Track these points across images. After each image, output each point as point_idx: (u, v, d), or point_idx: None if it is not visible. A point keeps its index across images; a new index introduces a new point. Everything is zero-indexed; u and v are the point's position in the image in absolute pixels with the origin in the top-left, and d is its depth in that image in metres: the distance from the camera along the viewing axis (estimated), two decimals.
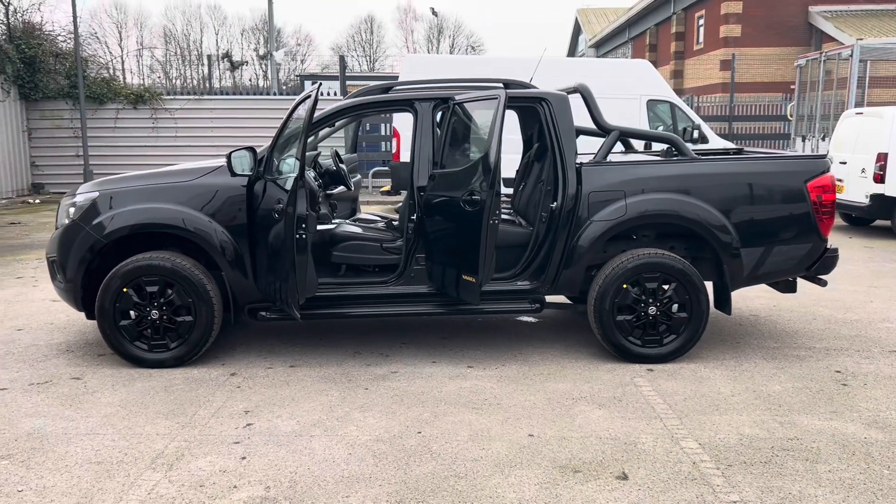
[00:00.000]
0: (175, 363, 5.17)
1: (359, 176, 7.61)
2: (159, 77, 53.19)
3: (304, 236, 4.61)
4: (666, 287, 5.22)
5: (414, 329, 6.06)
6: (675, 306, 5.25)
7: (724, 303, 5.45)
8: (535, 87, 5.70)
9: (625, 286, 5.18)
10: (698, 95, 22.28)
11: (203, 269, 5.16)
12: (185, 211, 5.08)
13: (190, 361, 5.21)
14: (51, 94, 17.38)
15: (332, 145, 8.18)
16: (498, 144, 4.62)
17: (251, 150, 4.97)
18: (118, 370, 5.13)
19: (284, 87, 35.31)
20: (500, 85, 5.49)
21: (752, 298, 7.09)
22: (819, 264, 5.49)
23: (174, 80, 53.73)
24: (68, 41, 18.14)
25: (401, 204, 5.48)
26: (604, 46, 43.25)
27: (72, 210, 5.23)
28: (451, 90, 5.43)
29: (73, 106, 17.31)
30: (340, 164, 6.60)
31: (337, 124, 6.36)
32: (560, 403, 4.53)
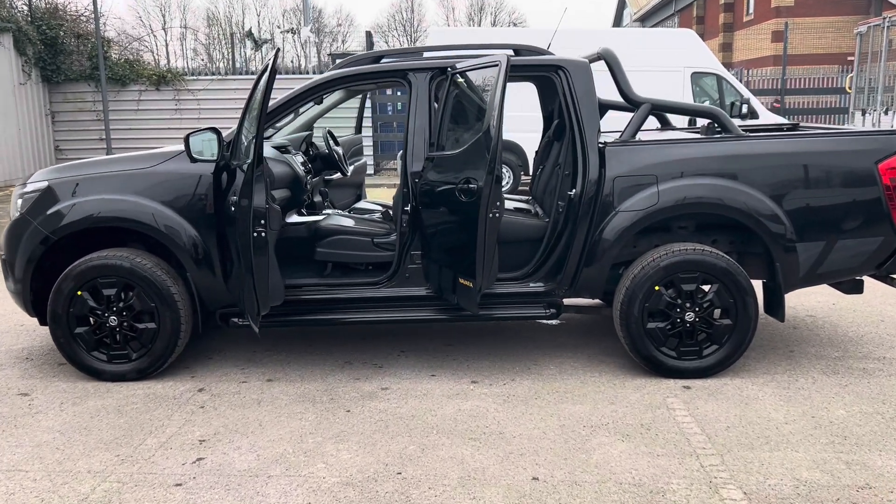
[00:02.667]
0: (137, 376, 4.53)
1: (363, 159, 6.88)
2: (203, 60, 53.06)
3: (263, 234, 3.89)
4: (706, 289, 4.40)
5: (415, 334, 5.33)
6: (718, 311, 4.43)
7: (775, 307, 4.60)
8: (552, 54, 4.88)
9: (657, 288, 4.37)
10: (748, 69, 21.00)
11: (168, 269, 4.50)
12: (143, 203, 4.42)
13: (155, 374, 4.57)
14: (73, 77, 16.96)
15: (344, 125, 7.44)
16: (498, 121, 3.84)
17: (215, 131, 4.27)
18: (73, 384, 4.52)
19: (315, 67, 34.70)
20: (508, 51, 4.68)
21: (806, 294, 6.20)
22: (892, 261, 4.60)
23: (217, 63, 53.57)
24: (91, 22, 17.71)
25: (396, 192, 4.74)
26: (649, 20, 41.68)
27: (20, 202, 4.60)
28: (452, 59, 4.64)
29: (96, 88, 16.88)
30: (335, 147, 5.86)
31: (327, 101, 5.64)
32: (575, 433, 3.77)
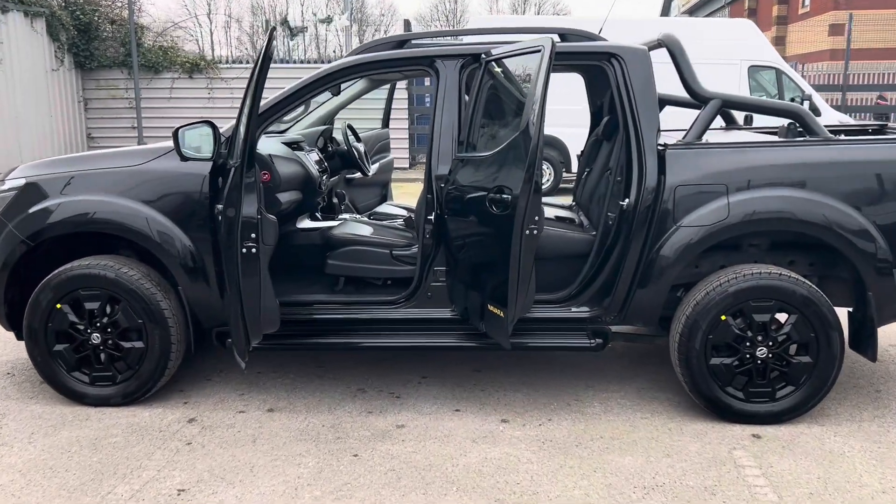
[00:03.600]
0: (123, 401, 3.99)
1: (390, 156, 6.27)
2: (246, 49, 52.89)
3: (254, 251, 3.30)
4: (782, 320, 3.71)
5: (440, 357, 4.70)
6: (795, 347, 3.73)
7: (865, 343, 3.89)
8: (603, 40, 4.20)
9: (724, 317, 3.69)
10: (803, 63, 19.91)
11: (159, 281, 3.95)
12: (132, 206, 3.87)
13: (143, 398, 4.03)
14: (107, 63, 16.64)
15: (370, 118, 6.83)
16: (539, 117, 3.19)
17: (210, 124, 3.69)
18: (52, 408, 4.00)
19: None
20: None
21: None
22: None
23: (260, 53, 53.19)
24: (126, 7, 17.38)
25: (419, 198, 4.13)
26: (698, 13, 40.35)
27: None
28: (486, 45, 3.99)
29: (129, 75, 16.56)
30: (355, 144, 5.25)
31: (348, 92, 5.03)
32: (625, 497, 3.12)
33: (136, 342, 3.95)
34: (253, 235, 3.29)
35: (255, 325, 3.47)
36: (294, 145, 4.66)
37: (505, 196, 3.33)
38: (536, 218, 3.30)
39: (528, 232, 3.27)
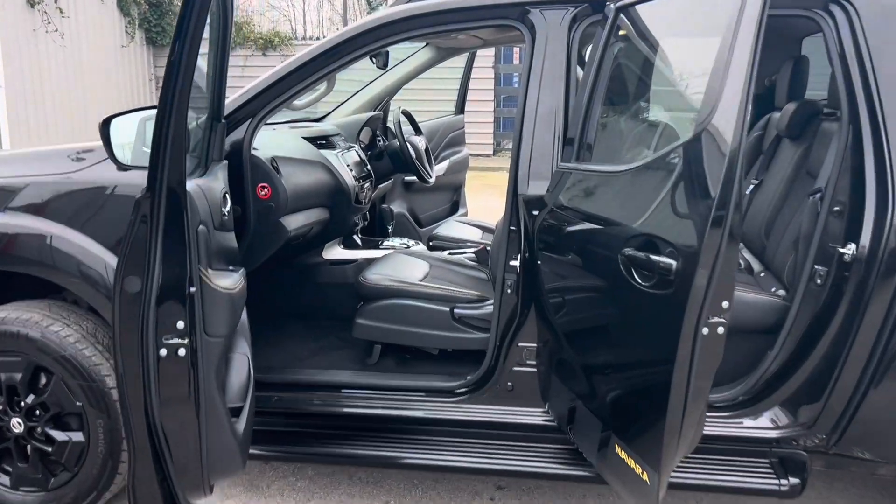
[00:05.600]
0: None
1: (464, 150, 4.77)
2: (338, 28, 52.25)
3: (182, 353, 1.89)
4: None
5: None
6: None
7: None
8: None
9: None
10: None
11: (110, 345, 2.64)
12: (60, 235, 2.55)
13: None
14: None
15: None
16: (742, 113, 1.67)
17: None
18: None
19: None
20: None
21: None
22: None
23: None
24: None
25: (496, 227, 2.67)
26: None
27: None
28: None
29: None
30: (412, 138, 3.77)
31: (407, 65, 3.61)
32: None
33: (75, 433, 2.66)
34: (180, 325, 1.88)
35: (191, 478, 2.06)
36: (322, 141, 3.26)
37: (663, 259, 1.82)
38: (726, 304, 1.78)
39: (706, 330, 1.76)
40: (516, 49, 14.55)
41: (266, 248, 2.67)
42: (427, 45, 3.65)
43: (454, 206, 4.66)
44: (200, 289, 1.93)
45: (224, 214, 2.34)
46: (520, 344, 2.45)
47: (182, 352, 1.89)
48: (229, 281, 2.18)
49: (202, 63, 2.22)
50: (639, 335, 1.98)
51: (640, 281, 1.88)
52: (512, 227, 2.43)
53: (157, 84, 16.27)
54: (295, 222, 2.79)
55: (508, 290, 2.44)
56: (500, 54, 14.10)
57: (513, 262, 2.41)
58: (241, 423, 2.25)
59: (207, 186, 2.24)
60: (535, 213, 2.34)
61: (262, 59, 15.77)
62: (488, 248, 3.18)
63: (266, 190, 2.66)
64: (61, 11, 12.74)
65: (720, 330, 1.79)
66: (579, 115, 2.32)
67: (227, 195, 2.41)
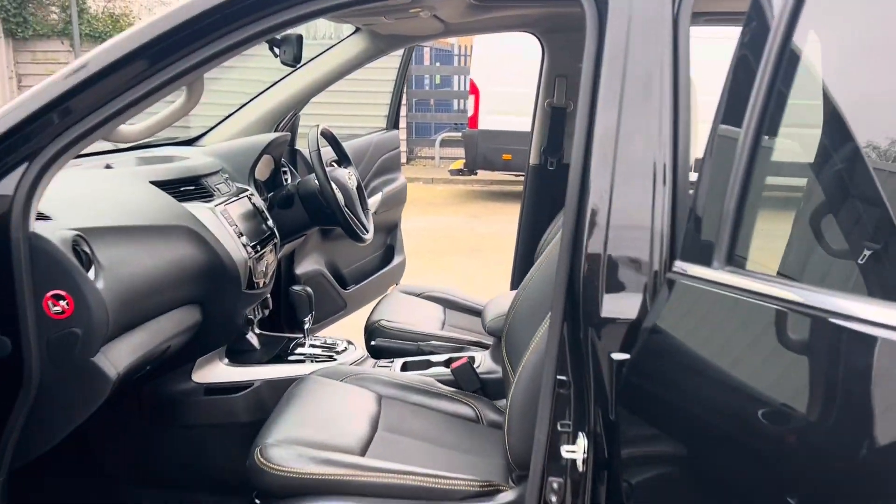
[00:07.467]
0: None
1: (400, 178, 3.45)
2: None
3: None
4: None
5: None
6: None
7: None
8: None
9: None
10: None
11: None
12: None
13: None
14: (44, 32, 14.44)
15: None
16: None
17: None
18: None
19: None
20: None
21: None
22: None
23: None
24: None
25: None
26: None
27: None
28: None
29: (71, 47, 14.19)
30: (338, 175, 2.44)
31: (326, 64, 2.35)
32: None
33: None
34: None
35: None
36: (189, 186, 1.94)
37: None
38: None
39: None
40: (426, 48, 13.51)
41: (64, 418, 1.38)
42: (358, 30, 2.37)
43: (387, 254, 3.40)
44: None
45: None
46: None
47: None
48: None
49: None
50: None
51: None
52: (561, 377, 1.22)
53: (19, 83, 14.38)
54: (127, 354, 1.48)
55: (555, 484, 1.24)
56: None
57: (572, 448, 1.21)
58: None
59: None
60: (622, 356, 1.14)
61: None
62: (471, 358, 1.95)
63: (64, 302, 1.34)
64: None
65: None
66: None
67: None
